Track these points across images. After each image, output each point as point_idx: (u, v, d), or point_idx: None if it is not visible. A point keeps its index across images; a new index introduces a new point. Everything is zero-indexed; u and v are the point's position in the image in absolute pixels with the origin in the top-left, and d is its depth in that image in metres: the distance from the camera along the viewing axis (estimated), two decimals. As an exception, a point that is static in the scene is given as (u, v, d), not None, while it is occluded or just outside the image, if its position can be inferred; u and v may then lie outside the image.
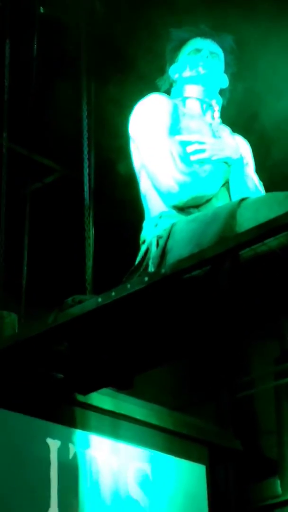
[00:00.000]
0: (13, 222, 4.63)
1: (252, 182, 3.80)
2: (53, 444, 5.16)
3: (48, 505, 5.00)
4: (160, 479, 5.65)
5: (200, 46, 3.89)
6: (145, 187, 3.76)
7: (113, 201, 5.08)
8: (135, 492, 5.49)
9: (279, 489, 6.19)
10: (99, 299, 3.40)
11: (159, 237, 3.55)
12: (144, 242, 3.65)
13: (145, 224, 3.72)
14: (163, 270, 3.31)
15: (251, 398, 6.56)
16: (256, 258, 3.24)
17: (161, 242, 3.52)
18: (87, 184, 4.03)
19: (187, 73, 3.88)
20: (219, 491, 6.17)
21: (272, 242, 3.18)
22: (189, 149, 3.70)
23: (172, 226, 3.54)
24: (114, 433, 5.47)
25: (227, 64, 3.93)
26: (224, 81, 3.93)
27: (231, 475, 6.31)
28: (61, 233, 5.51)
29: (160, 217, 3.65)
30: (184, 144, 3.71)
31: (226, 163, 3.76)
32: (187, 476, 5.85)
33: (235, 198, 3.71)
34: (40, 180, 5.67)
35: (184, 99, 3.86)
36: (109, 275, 3.89)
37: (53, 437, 5.16)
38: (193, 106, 3.86)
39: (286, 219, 3.11)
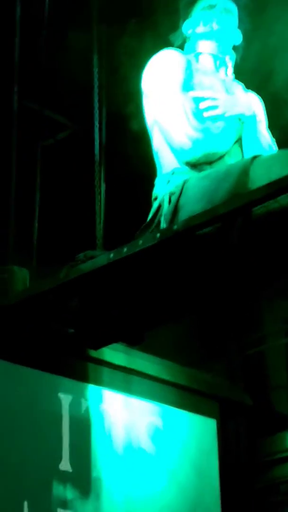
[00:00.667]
0: (24, 178, 4.63)
1: (265, 140, 3.78)
2: (65, 399, 5.22)
3: (60, 458, 5.08)
4: (171, 433, 5.71)
5: (214, 2, 3.85)
6: (158, 143, 3.74)
7: (125, 157, 5.06)
8: (147, 446, 5.55)
9: (289, 444, 6.24)
10: (111, 255, 3.41)
11: (171, 194, 3.54)
12: (156, 198, 3.65)
13: (157, 181, 3.71)
14: (175, 227, 3.32)
15: (262, 354, 6.58)
16: (268, 215, 3.23)
17: (173, 198, 3.52)
18: (98, 139, 4.01)
19: (200, 29, 3.84)
20: (230, 446, 6.23)
21: (284, 200, 3.18)
22: (202, 105, 3.67)
23: (185, 182, 3.53)
24: (126, 388, 5.52)
25: (240, 20, 3.89)
26: (238, 37, 3.89)
27: (241, 429, 6.37)
28: (73, 189, 5.50)
29: (173, 173, 3.64)
30: (197, 100, 3.68)
31: (239, 119, 3.74)
32: (198, 430, 5.92)
33: (248, 155, 3.69)
34: (53, 137, 5.65)
35: (197, 55, 3.83)
36: (121, 231, 3.89)
37: (65, 392, 5.22)
38: (206, 62, 3.83)
39: (298, 176, 3.10)
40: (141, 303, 3.58)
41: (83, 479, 5.15)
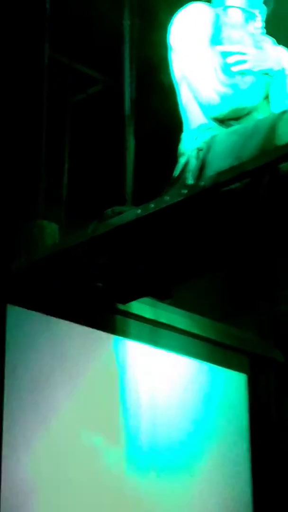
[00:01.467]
0: (55, 133, 4.63)
1: None
2: (96, 350, 5.27)
3: (89, 408, 5.15)
4: (200, 387, 5.75)
5: None
6: (186, 98, 3.73)
7: (155, 112, 5.04)
8: (176, 399, 5.60)
9: None
10: (138, 211, 3.42)
11: (199, 150, 3.54)
12: (182, 154, 3.64)
13: (183, 136, 3.70)
14: (202, 183, 3.32)
15: (293, 310, 6.57)
16: (295, 172, 3.22)
17: (201, 154, 3.51)
18: (128, 94, 4.00)
19: None
20: (260, 401, 6.25)
21: (312, 156, 3.15)
22: (230, 59, 3.65)
23: (212, 138, 3.52)
24: (155, 341, 5.55)
25: None
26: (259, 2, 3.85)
27: (272, 385, 6.39)
28: (102, 144, 5.49)
29: (200, 129, 3.63)
30: (225, 54, 3.66)
31: (267, 74, 3.70)
32: (228, 385, 5.95)
33: (276, 110, 3.66)
34: (84, 91, 5.63)
35: (226, 8, 3.79)
36: (150, 187, 3.90)
37: (96, 343, 5.27)
38: (235, 15, 3.79)
39: None
40: (168, 259, 3.60)
41: (111, 429, 5.22)
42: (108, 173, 4.94)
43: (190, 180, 3.50)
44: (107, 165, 5.20)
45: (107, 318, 5.22)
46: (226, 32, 3.75)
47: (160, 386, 5.52)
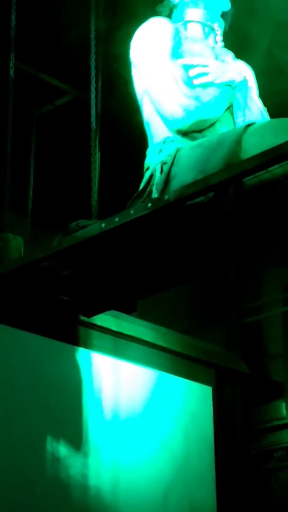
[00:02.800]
0: (21, 145, 4.61)
1: (256, 106, 3.75)
2: (61, 362, 5.25)
3: (53, 419, 5.12)
4: (167, 399, 5.75)
5: None
6: (148, 113, 3.72)
7: (122, 125, 5.04)
8: (141, 411, 5.59)
9: (284, 411, 6.28)
10: (103, 224, 3.41)
11: (163, 163, 3.53)
12: (148, 169, 3.64)
13: (148, 151, 3.69)
14: (166, 197, 3.30)
15: (259, 323, 6.60)
16: (260, 186, 3.22)
17: (165, 168, 3.50)
18: (94, 107, 3.98)
19: None
20: (225, 413, 6.27)
21: (276, 170, 3.16)
22: (192, 72, 3.65)
23: (177, 151, 3.51)
24: (122, 353, 5.56)
25: None
26: (225, 4, 3.85)
27: (237, 397, 6.41)
28: (69, 156, 5.49)
29: (164, 142, 3.62)
30: (186, 67, 3.67)
31: (229, 86, 3.71)
32: (193, 397, 5.95)
33: (238, 121, 3.67)
34: (51, 102, 5.62)
35: (186, 23, 3.81)
36: (116, 200, 3.89)
37: (61, 355, 5.25)
38: (194, 29, 3.81)
39: (291, 146, 3.08)
40: (133, 272, 3.59)
41: (75, 440, 5.20)
42: (74, 186, 4.93)
43: (155, 194, 3.50)
44: (73, 178, 5.20)
45: (71, 330, 5.21)
46: (186, 46, 3.76)
47: (125, 398, 5.51)
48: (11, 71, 4.33)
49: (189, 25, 3.83)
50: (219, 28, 3.85)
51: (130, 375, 5.58)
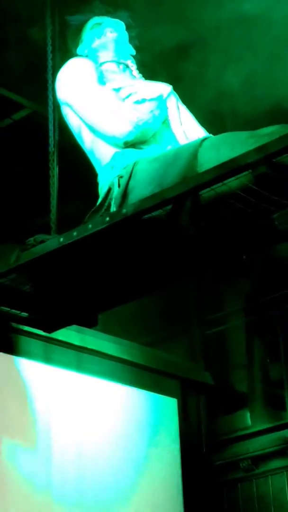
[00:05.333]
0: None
1: (187, 117, 3.89)
2: (19, 378, 5.23)
3: (19, 434, 5.10)
4: (131, 413, 5.75)
5: (99, 21, 4.04)
6: (89, 142, 3.81)
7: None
8: (106, 425, 5.58)
9: (249, 421, 6.30)
10: (61, 239, 3.40)
11: (119, 177, 3.54)
12: (102, 187, 3.66)
13: (100, 177, 3.74)
14: (124, 210, 3.31)
15: (222, 333, 6.63)
16: (217, 198, 3.23)
17: (123, 182, 3.51)
18: (52, 121, 3.98)
19: (96, 43, 4.00)
20: (191, 424, 6.29)
21: (232, 183, 3.18)
22: (123, 93, 3.79)
23: (134, 165, 3.53)
24: (87, 368, 5.55)
25: (130, 38, 4.08)
26: (130, 50, 4.04)
27: (202, 408, 6.43)
28: (27, 171, 5.47)
29: (114, 158, 3.66)
30: (116, 90, 3.80)
31: (159, 99, 3.81)
32: (158, 410, 5.96)
33: (174, 132, 3.77)
34: (9, 116, 5.61)
35: (101, 65, 3.93)
36: (76, 214, 3.89)
37: (20, 371, 5.23)
38: (111, 67, 3.95)
39: (247, 158, 3.10)
40: (93, 286, 3.59)
41: (40, 457, 5.17)
42: (33, 201, 4.91)
43: (113, 208, 3.50)
44: (31, 192, 5.18)
45: (30, 344, 5.19)
46: (109, 77, 3.87)
47: (89, 413, 5.50)
48: None
49: (104, 65, 3.95)
50: (132, 63, 4.00)
51: (94, 389, 5.56)
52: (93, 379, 5.58)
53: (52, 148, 4.08)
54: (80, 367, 5.53)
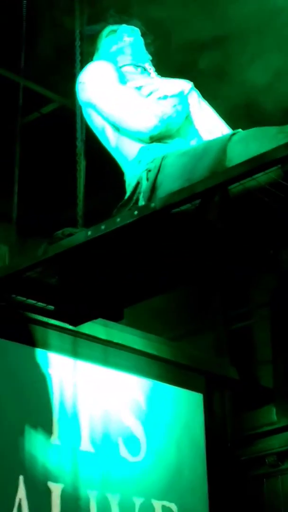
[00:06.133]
0: (6, 153, 4.60)
1: (209, 113, 3.90)
2: (49, 373, 5.25)
3: (50, 433, 5.12)
4: (157, 407, 5.74)
5: (115, 28, 4.11)
6: (114, 140, 3.84)
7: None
8: (132, 420, 5.58)
9: (275, 417, 6.28)
10: (89, 232, 3.40)
11: (148, 170, 3.55)
12: (130, 182, 3.68)
13: (126, 174, 3.75)
14: (153, 204, 3.31)
15: (248, 328, 6.60)
16: (245, 193, 3.23)
17: (151, 176, 3.52)
18: (79, 115, 3.99)
19: (113, 48, 4.05)
20: (216, 419, 6.27)
21: (261, 177, 3.17)
22: (144, 91, 3.82)
23: (162, 159, 3.53)
24: (112, 362, 5.55)
25: (146, 44, 4.14)
26: (147, 55, 4.09)
27: (227, 403, 6.41)
28: (55, 164, 5.48)
29: (140, 152, 3.66)
30: (138, 88, 3.85)
31: (181, 95, 3.84)
32: (184, 404, 5.95)
33: (197, 127, 3.79)
34: (37, 110, 5.62)
35: (120, 68, 3.97)
36: (102, 208, 3.89)
37: (49, 365, 5.24)
38: (130, 70, 3.99)
39: (276, 154, 3.09)
40: (120, 280, 3.58)
41: (71, 454, 5.19)
42: (60, 195, 4.92)
43: (141, 201, 3.50)
44: (59, 186, 5.18)
45: (58, 339, 5.20)
46: (129, 77, 3.93)
47: (117, 408, 5.50)
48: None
49: (123, 68, 3.99)
50: (150, 66, 4.05)
51: (119, 383, 5.57)
52: (119, 373, 5.58)
53: (79, 142, 4.09)
54: (105, 361, 5.54)
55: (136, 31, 4.12)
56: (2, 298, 3.71)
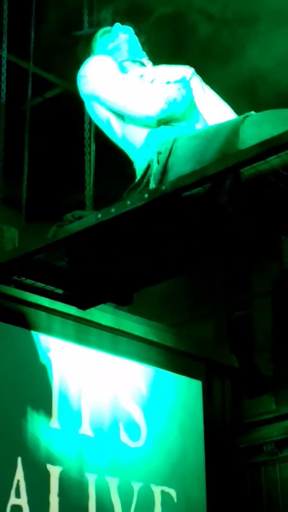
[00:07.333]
0: (13, 136, 4.58)
1: (213, 97, 3.91)
2: (54, 358, 5.24)
3: (50, 416, 5.11)
4: (157, 394, 5.75)
5: (108, 29, 4.11)
6: (120, 130, 3.81)
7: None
8: (133, 406, 5.59)
9: (274, 405, 6.29)
10: (99, 215, 3.38)
11: (158, 153, 3.53)
12: (140, 166, 3.66)
13: (136, 161, 3.74)
14: (163, 187, 3.29)
15: (249, 316, 6.60)
16: (257, 176, 3.21)
17: (162, 158, 3.50)
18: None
19: (110, 46, 4.03)
20: (215, 406, 6.28)
21: (274, 160, 3.15)
22: (146, 78, 3.82)
23: (174, 142, 3.51)
24: (113, 349, 5.55)
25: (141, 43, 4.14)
26: (142, 52, 4.08)
27: (227, 391, 6.41)
28: (63, 148, 5.46)
29: (149, 136, 3.65)
30: (140, 76, 3.84)
31: (184, 81, 3.83)
32: (184, 391, 5.95)
33: (201, 111, 3.79)
34: (41, 95, 5.61)
35: (120, 63, 3.95)
36: (111, 191, 3.88)
37: (54, 351, 5.24)
38: (129, 65, 3.98)
39: (289, 136, 3.08)
40: (130, 263, 3.57)
41: (70, 438, 5.19)
42: (68, 177, 4.91)
43: (152, 184, 3.48)
44: (67, 169, 5.17)
45: (60, 324, 5.20)
46: (129, 68, 3.92)
47: (118, 394, 5.50)
48: (3, 62, 4.31)
49: (122, 63, 3.97)
50: (148, 61, 4.04)
51: (119, 370, 5.57)
52: (119, 359, 5.58)
53: (87, 125, 4.08)
54: (106, 347, 5.54)
55: (130, 29, 4.12)
56: (12, 280, 3.70)
